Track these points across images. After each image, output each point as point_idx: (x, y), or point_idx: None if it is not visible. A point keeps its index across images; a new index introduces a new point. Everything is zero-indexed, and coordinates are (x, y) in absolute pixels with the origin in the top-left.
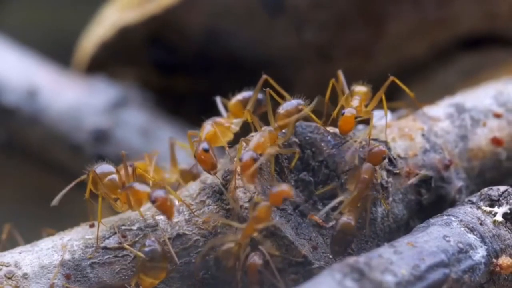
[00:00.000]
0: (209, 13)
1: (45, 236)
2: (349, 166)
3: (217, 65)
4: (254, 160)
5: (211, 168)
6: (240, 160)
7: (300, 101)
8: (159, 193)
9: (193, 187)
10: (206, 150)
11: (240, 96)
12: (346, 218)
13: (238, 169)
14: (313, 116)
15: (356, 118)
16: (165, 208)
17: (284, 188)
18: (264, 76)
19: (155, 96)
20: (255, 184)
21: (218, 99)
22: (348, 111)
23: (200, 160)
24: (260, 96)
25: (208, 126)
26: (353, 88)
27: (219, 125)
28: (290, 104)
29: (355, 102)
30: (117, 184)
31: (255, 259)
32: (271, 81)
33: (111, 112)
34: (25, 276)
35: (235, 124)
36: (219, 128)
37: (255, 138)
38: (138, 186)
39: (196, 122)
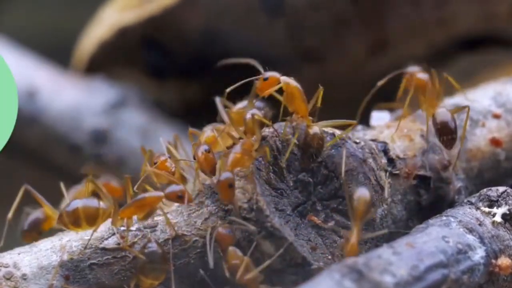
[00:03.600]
0: (207, 13)
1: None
2: (348, 167)
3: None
4: (230, 184)
5: (211, 170)
6: (217, 181)
7: (255, 110)
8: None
9: (192, 188)
10: (207, 151)
11: (241, 105)
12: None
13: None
14: (267, 122)
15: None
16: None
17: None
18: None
19: (154, 97)
20: (254, 186)
21: (217, 100)
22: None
23: (200, 160)
24: (260, 104)
25: (208, 131)
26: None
27: (219, 130)
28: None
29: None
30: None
31: (222, 229)
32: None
33: (110, 113)
34: (24, 277)
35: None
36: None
37: (231, 156)
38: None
39: (196, 123)
